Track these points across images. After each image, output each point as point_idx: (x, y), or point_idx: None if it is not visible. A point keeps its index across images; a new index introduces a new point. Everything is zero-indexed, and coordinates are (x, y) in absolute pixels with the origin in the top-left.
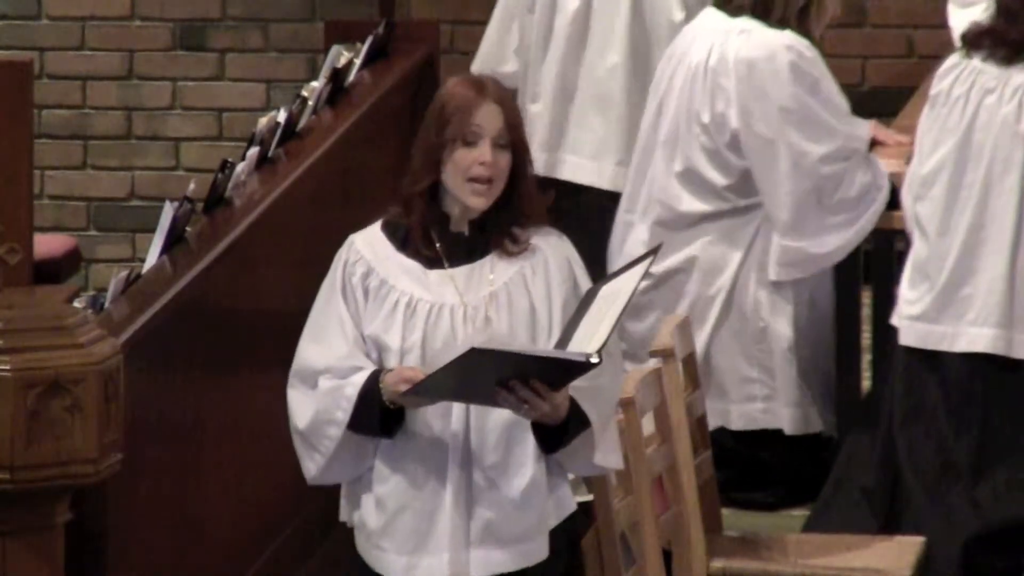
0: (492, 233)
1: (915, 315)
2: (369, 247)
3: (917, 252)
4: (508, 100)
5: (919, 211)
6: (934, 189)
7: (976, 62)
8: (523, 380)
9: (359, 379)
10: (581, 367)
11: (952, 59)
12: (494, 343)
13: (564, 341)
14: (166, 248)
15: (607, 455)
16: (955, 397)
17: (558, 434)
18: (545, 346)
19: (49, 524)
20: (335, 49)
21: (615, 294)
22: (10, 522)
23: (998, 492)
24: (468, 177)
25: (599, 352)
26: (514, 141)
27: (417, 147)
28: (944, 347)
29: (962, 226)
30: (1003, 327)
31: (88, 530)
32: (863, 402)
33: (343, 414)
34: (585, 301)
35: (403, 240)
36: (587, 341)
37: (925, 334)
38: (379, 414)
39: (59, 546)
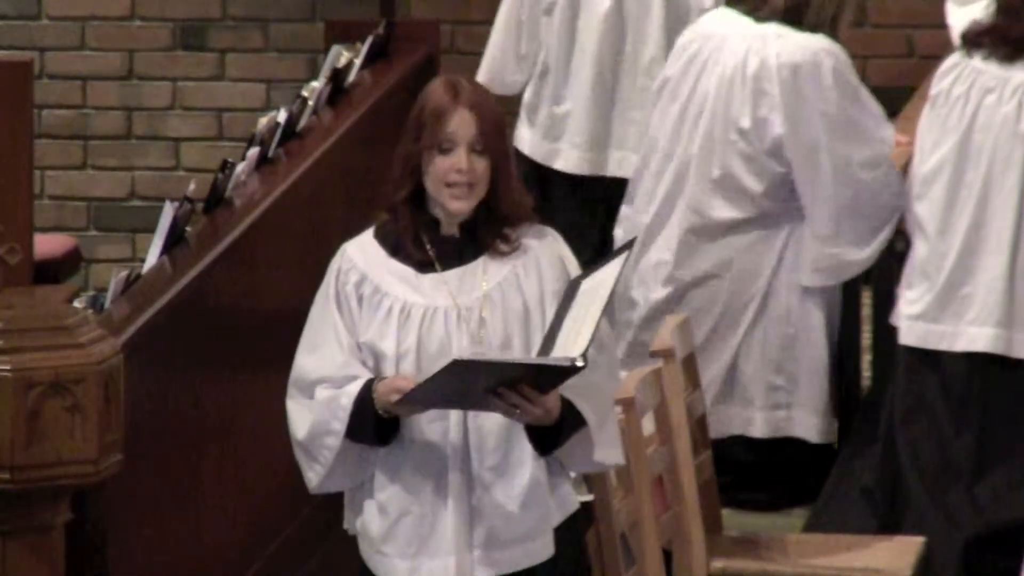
0: (483, 235)
1: (915, 314)
2: (361, 254)
3: (917, 251)
4: (484, 104)
5: (918, 210)
6: (934, 188)
7: (976, 61)
8: (511, 386)
9: (353, 389)
10: (567, 372)
11: (952, 59)
12: (478, 354)
13: (549, 339)
14: (166, 248)
15: (607, 451)
16: (955, 396)
17: (553, 435)
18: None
19: (49, 524)
20: (335, 49)
21: (596, 288)
22: (10, 522)
23: (998, 492)
24: (446, 183)
25: (584, 355)
26: (491, 145)
27: (397, 154)
28: (944, 347)
29: (962, 226)
30: (1003, 327)
31: (88, 530)
32: (864, 402)
33: (340, 424)
34: (568, 295)
35: (395, 246)
36: (572, 343)
37: (925, 334)
38: (374, 423)
39: (59, 546)
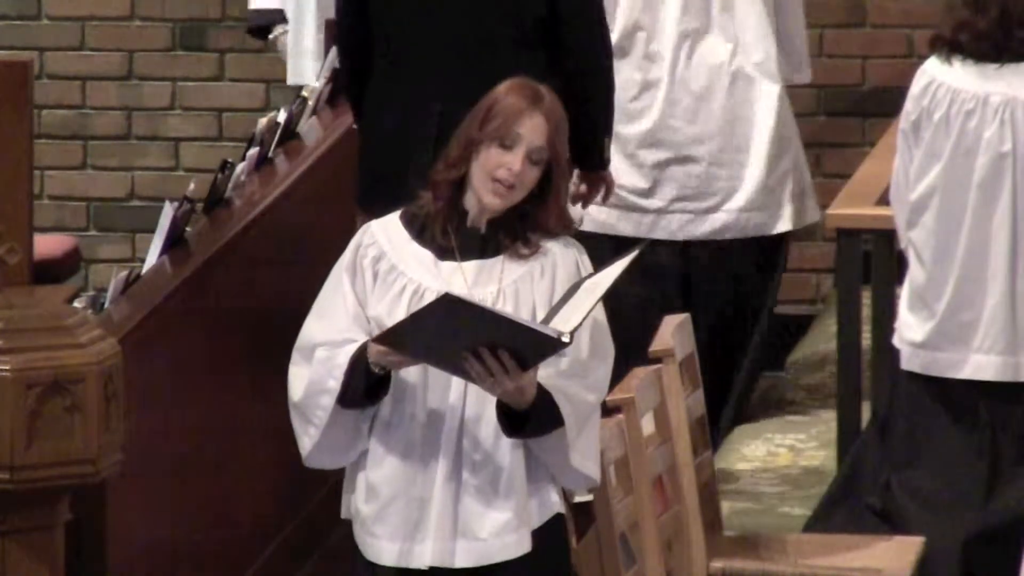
0: (507, 234)
1: (917, 342)
2: (384, 233)
3: (915, 278)
4: (559, 118)
5: (912, 237)
6: (925, 216)
7: (955, 72)
8: (492, 350)
9: (351, 348)
10: (552, 343)
11: (924, 78)
12: (471, 297)
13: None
14: (166, 248)
15: (584, 461)
16: (963, 424)
17: (521, 419)
18: None
19: (49, 524)
20: (335, 49)
21: (595, 286)
22: (10, 522)
23: (1009, 507)
24: (492, 177)
25: (571, 333)
26: (550, 159)
27: (458, 136)
28: (950, 374)
29: (957, 253)
30: (1009, 353)
31: (88, 530)
32: (874, 418)
33: (335, 382)
34: (569, 292)
35: (419, 230)
36: (563, 324)
37: (930, 362)
38: (365, 379)
39: (59, 546)
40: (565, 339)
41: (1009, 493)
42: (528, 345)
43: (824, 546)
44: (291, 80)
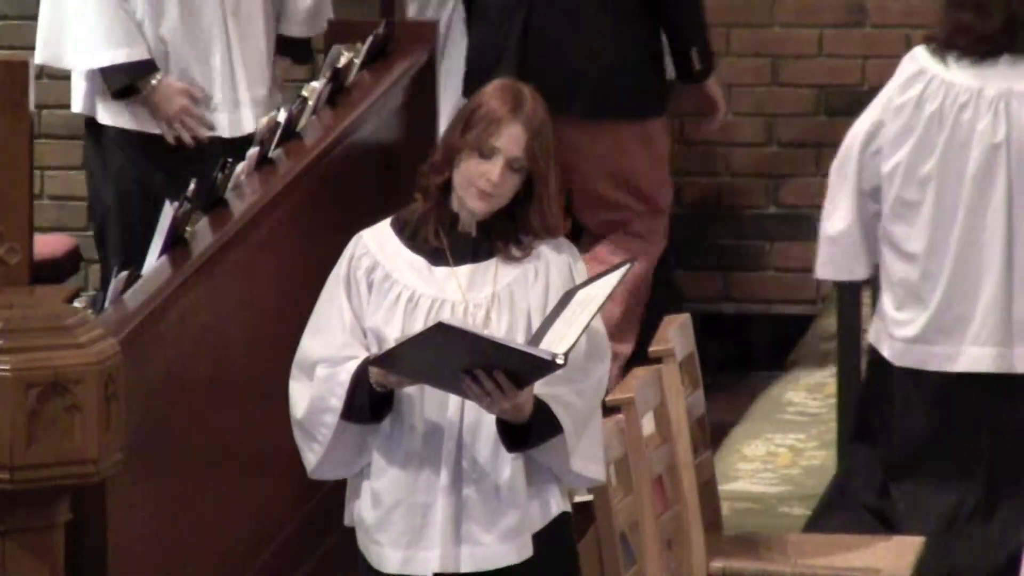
0: (499, 237)
1: (910, 337)
2: (376, 242)
3: (905, 273)
4: (540, 124)
5: (894, 231)
6: (920, 210)
7: (951, 68)
8: (488, 371)
9: (352, 366)
10: (546, 365)
11: (913, 65)
12: (464, 324)
13: (536, 340)
14: (166, 248)
15: (586, 463)
16: (959, 422)
17: (521, 434)
18: None
19: (49, 524)
20: (335, 49)
21: (589, 299)
22: (10, 522)
23: (1008, 524)
24: (472, 184)
25: (566, 355)
26: (533, 165)
27: (443, 140)
28: (946, 368)
29: (952, 246)
30: (1004, 345)
31: (88, 530)
32: (860, 414)
33: (337, 400)
34: (561, 303)
35: (411, 236)
36: (557, 342)
37: (925, 357)
38: (369, 398)
39: (59, 546)
40: (560, 360)
41: (1010, 497)
42: (523, 366)
43: (824, 546)
44: (227, 133)
